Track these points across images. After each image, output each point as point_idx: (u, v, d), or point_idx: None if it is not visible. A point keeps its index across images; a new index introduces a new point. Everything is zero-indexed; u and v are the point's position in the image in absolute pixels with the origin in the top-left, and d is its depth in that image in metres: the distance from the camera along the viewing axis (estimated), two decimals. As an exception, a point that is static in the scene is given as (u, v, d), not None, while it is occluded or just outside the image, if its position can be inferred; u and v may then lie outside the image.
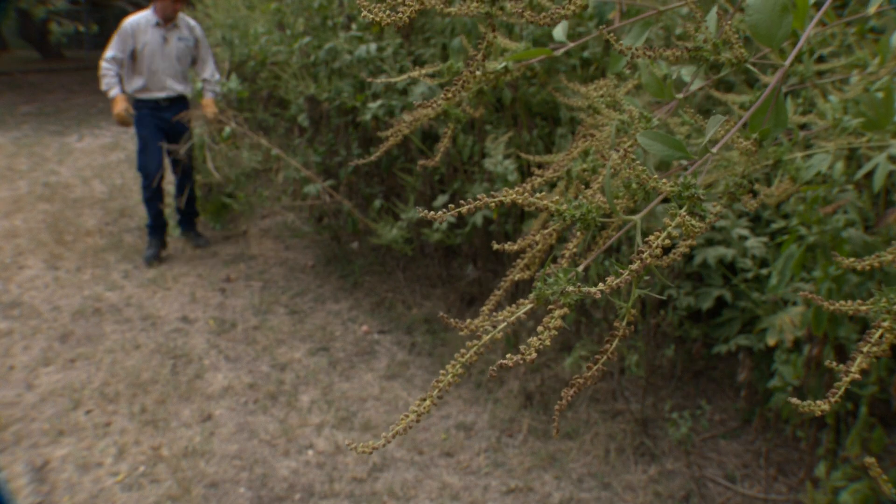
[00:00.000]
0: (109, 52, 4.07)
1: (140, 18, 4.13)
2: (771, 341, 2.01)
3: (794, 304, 2.08)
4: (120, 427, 2.64)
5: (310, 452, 2.52)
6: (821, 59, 1.20)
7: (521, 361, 0.45)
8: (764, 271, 2.26)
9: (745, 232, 2.29)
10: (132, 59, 4.12)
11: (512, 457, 2.47)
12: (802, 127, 0.94)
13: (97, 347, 3.24)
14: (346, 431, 2.63)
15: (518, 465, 2.42)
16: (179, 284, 3.94)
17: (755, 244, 2.25)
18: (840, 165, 1.49)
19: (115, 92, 4.07)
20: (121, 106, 4.07)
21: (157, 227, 4.32)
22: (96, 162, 6.83)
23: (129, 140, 7.90)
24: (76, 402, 2.79)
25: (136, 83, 4.17)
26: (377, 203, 3.60)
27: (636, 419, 2.56)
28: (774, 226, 2.18)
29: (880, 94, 0.77)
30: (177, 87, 4.22)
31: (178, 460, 2.45)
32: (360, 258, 4.07)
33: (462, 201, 0.49)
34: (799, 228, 1.70)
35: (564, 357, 2.89)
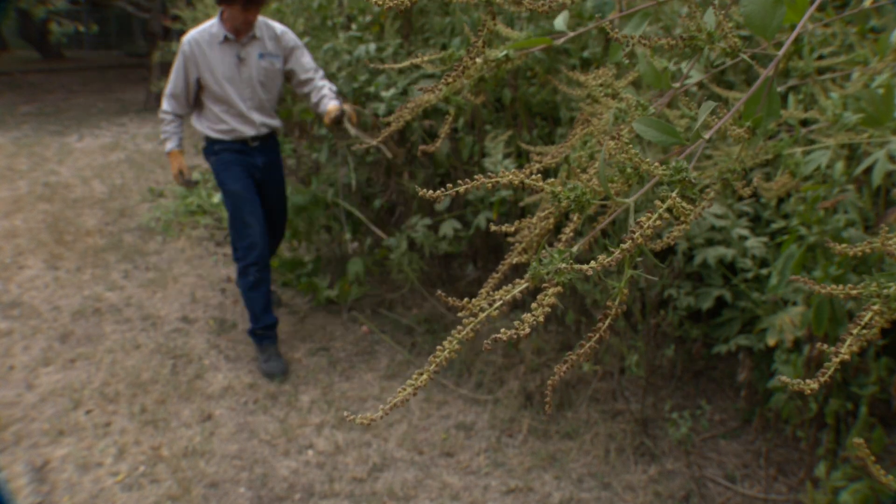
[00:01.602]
0: (167, 89, 3.07)
1: (202, 34, 3.00)
2: (771, 341, 2.01)
3: (794, 304, 2.08)
4: (120, 427, 2.64)
5: (310, 452, 2.51)
6: (821, 59, 1.20)
7: (516, 336, 0.46)
8: (764, 271, 2.26)
9: (745, 232, 2.29)
10: (199, 90, 3.05)
11: (512, 457, 2.47)
12: (803, 123, 0.95)
13: (97, 347, 3.24)
14: (347, 431, 2.62)
15: (518, 465, 2.42)
16: (179, 284, 3.94)
17: (755, 244, 2.25)
18: (840, 165, 1.49)
19: (169, 146, 3.11)
20: (175, 166, 3.12)
21: (270, 328, 3.12)
22: (96, 162, 6.84)
23: (129, 140, 7.91)
24: (76, 402, 2.79)
25: (210, 122, 3.07)
26: (377, 203, 3.60)
27: (636, 419, 2.56)
28: (774, 226, 2.18)
29: (880, 91, 0.77)
30: (268, 122, 3.11)
31: (178, 460, 2.45)
32: (360, 258, 4.06)
33: (461, 181, 0.49)
34: (799, 228, 1.70)
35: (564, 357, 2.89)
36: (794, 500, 2.19)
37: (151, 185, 5.89)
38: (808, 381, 0.46)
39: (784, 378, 0.47)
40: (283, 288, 3.86)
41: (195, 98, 3.08)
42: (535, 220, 0.57)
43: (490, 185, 0.49)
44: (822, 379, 0.46)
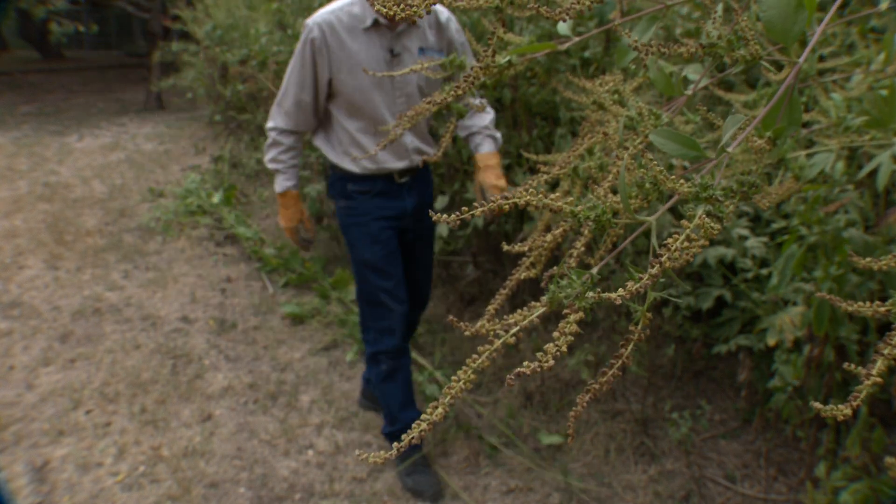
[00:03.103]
0: (280, 95, 2.12)
1: (338, 14, 2.03)
2: (771, 341, 2.01)
3: (794, 304, 2.08)
4: (120, 427, 2.64)
5: (310, 452, 2.51)
6: (821, 59, 1.21)
7: (539, 369, 0.45)
8: (764, 271, 2.26)
9: (745, 232, 2.29)
10: (326, 99, 2.11)
11: (512, 457, 2.47)
12: (805, 125, 0.95)
13: (97, 347, 3.24)
14: (347, 431, 2.62)
15: (518, 465, 2.42)
16: (179, 284, 3.94)
17: (755, 244, 2.25)
18: (840, 165, 1.49)
19: (283, 183, 2.18)
20: (294, 216, 2.22)
21: (407, 429, 1.86)
22: (96, 162, 6.83)
23: (129, 140, 7.91)
24: (76, 402, 2.79)
25: (341, 146, 2.14)
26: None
27: (636, 419, 2.56)
28: (774, 226, 2.18)
29: (884, 93, 0.77)
30: (423, 147, 2.19)
31: (178, 460, 2.45)
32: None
33: (471, 205, 0.48)
34: (799, 228, 1.70)
35: (566, 358, 2.90)
36: (794, 500, 2.19)
37: (151, 185, 5.89)
38: (840, 406, 0.46)
39: (817, 405, 0.47)
40: (283, 288, 3.87)
41: (323, 109, 2.12)
42: (548, 237, 0.56)
43: (507, 206, 0.48)
44: (854, 404, 0.45)
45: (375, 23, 2.03)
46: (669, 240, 0.44)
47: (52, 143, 7.64)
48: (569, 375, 2.88)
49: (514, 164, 3.01)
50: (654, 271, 0.44)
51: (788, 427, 2.26)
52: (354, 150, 2.11)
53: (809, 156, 0.89)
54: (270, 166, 2.18)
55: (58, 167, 6.58)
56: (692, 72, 0.66)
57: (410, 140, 2.15)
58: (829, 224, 1.61)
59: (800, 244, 1.69)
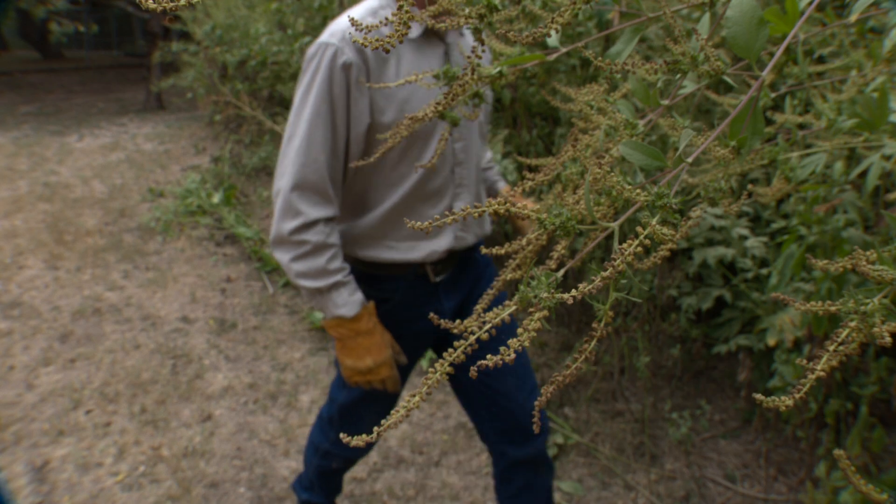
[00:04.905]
0: (293, 169, 1.28)
1: (366, 18, 1.31)
2: (771, 341, 2.01)
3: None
4: (120, 427, 2.64)
5: (310, 452, 2.52)
6: (821, 60, 1.20)
7: (501, 362, 0.47)
8: (764, 271, 2.26)
9: (745, 232, 2.29)
10: (363, 150, 1.35)
11: (512, 457, 2.47)
12: (801, 127, 0.95)
13: (97, 347, 3.24)
14: (346, 431, 2.63)
15: (518, 465, 2.42)
16: (179, 284, 3.95)
17: (755, 244, 2.25)
18: (840, 165, 1.49)
19: (353, 299, 1.35)
20: (383, 342, 1.41)
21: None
22: (96, 162, 6.84)
23: (129, 140, 7.91)
24: (76, 402, 2.80)
25: (377, 237, 1.44)
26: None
27: (636, 419, 2.56)
28: (774, 226, 2.18)
29: (875, 95, 0.77)
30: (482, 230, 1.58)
31: (178, 460, 2.45)
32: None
33: (447, 212, 0.50)
34: (799, 228, 1.70)
35: (565, 357, 2.90)
36: (794, 500, 2.19)
37: (151, 185, 5.89)
38: (783, 398, 0.47)
39: (759, 396, 0.48)
40: (282, 288, 3.87)
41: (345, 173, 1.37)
42: (524, 241, 0.58)
43: (477, 214, 0.50)
44: (796, 396, 0.46)
45: (427, 31, 1.35)
46: (624, 245, 0.46)
47: (52, 143, 7.65)
48: (568, 375, 2.88)
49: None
50: (606, 273, 0.47)
51: (788, 427, 2.26)
52: (403, 241, 1.45)
53: (805, 157, 0.89)
54: (323, 283, 1.33)
55: (58, 167, 6.59)
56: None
57: (468, 198, 1.54)
58: (828, 224, 1.61)
59: (799, 244, 1.69)
